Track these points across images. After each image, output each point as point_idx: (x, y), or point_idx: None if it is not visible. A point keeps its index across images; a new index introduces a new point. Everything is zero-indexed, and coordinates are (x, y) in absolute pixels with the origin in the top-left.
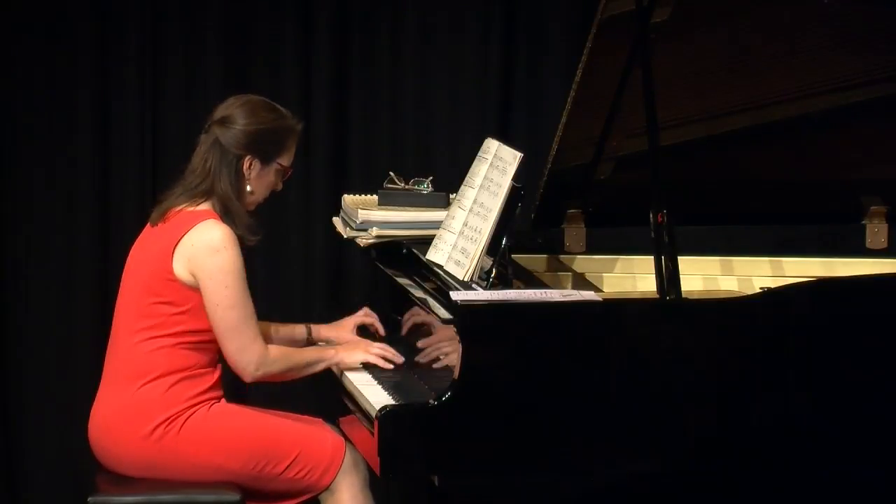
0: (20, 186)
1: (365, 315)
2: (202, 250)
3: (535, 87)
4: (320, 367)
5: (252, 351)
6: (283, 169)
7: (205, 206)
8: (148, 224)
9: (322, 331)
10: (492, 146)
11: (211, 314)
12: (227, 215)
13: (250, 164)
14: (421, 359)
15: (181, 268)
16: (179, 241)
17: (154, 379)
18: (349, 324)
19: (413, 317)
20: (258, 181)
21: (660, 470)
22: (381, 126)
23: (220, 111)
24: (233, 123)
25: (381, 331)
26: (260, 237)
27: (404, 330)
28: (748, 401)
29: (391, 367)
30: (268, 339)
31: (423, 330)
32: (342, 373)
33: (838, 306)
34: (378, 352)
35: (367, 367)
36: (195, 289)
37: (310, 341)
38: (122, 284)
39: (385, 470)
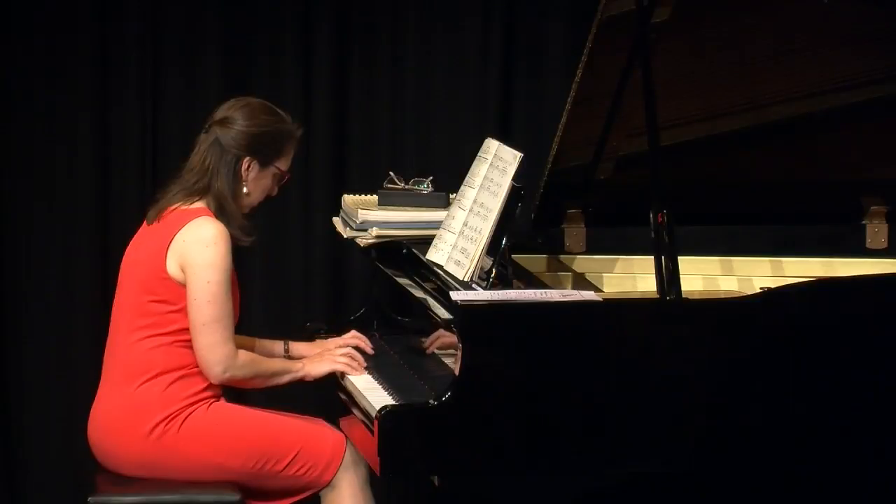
0: (20, 187)
1: (352, 338)
2: (193, 244)
3: (535, 87)
4: (286, 378)
5: (221, 351)
6: (281, 173)
7: (199, 205)
8: (144, 222)
9: (299, 348)
10: (492, 146)
11: (189, 307)
12: (221, 214)
13: (248, 166)
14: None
15: (174, 265)
16: (173, 238)
17: (153, 377)
18: (330, 345)
19: (440, 337)
20: (255, 183)
21: (660, 470)
22: (381, 126)
23: (221, 112)
24: (233, 124)
25: (368, 349)
26: (253, 238)
27: (430, 348)
28: (748, 401)
29: (360, 369)
30: (243, 349)
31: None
32: (342, 373)
33: (838, 306)
34: (344, 360)
35: (367, 367)
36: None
37: (287, 358)
38: (118, 283)
39: (385, 470)
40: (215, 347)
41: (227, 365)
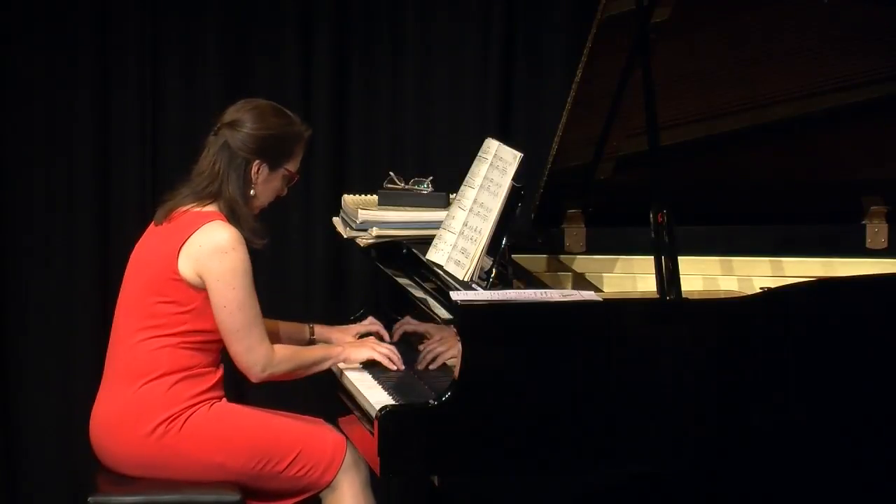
0: (20, 187)
1: (370, 324)
2: (210, 252)
3: (535, 87)
4: (327, 364)
5: (259, 352)
6: (290, 175)
7: (211, 208)
8: (152, 223)
9: (325, 332)
10: (492, 146)
11: (218, 315)
12: (233, 218)
13: (258, 169)
14: (419, 365)
15: (187, 268)
16: (186, 241)
17: (156, 378)
18: (353, 330)
19: (403, 325)
20: (264, 186)
21: (660, 470)
22: (381, 126)
23: (230, 114)
24: (242, 127)
25: (387, 337)
26: (266, 241)
27: (395, 337)
28: (748, 401)
29: (394, 367)
30: (273, 338)
31: (415, 338)
32: (342, 373)
33: (838, 306)
34: (385, 351)
35: (367, 366)
36: (200, 289)
37: (312, 342)
38: (124, 283)
39: (385, 470)
40: (253, 349)
41: (266, 364)
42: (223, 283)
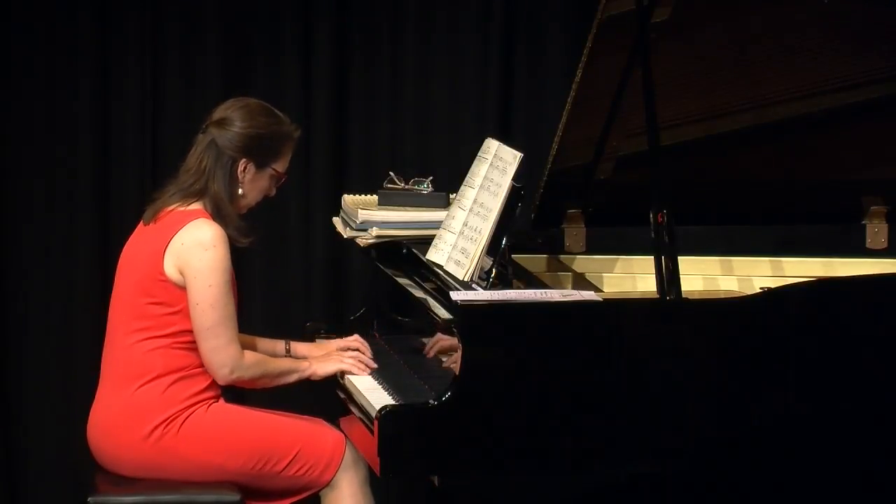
0: (20, 186)
1: (354, 340)
2: (191, 248)
3: (535, 87)
4: (293, 377)
5: (227, 353)
6: (278, 175)
7: (196, 206)
8: (141, 222)
9: (301, 348)
10: (492, 146)
11: (192, 311)
12: (218, 216)
13: (245, 168)
14: (429, 353)
15: (172, 268)
16: (170, 241)
17: (152, 380)
18: (332, 345)
19: (439, 342)
20: (251, 185)
21: (660, 470)
22: (381, 126)
23: (219, 112)
24: (230, 125)
25: (369, 355)
26: (251, 239)
27: (430, 354)
28: (748, 401)
29: (367, 372)
30: (246, 349)
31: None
32: (343, 373)
33: (838, 306)
34: (351, 361)
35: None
36: (185, 289)
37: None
38: (115, 284)
39: (385, 470)
40: (220, 350)
41: (234, 366)
42: (200, 280)
